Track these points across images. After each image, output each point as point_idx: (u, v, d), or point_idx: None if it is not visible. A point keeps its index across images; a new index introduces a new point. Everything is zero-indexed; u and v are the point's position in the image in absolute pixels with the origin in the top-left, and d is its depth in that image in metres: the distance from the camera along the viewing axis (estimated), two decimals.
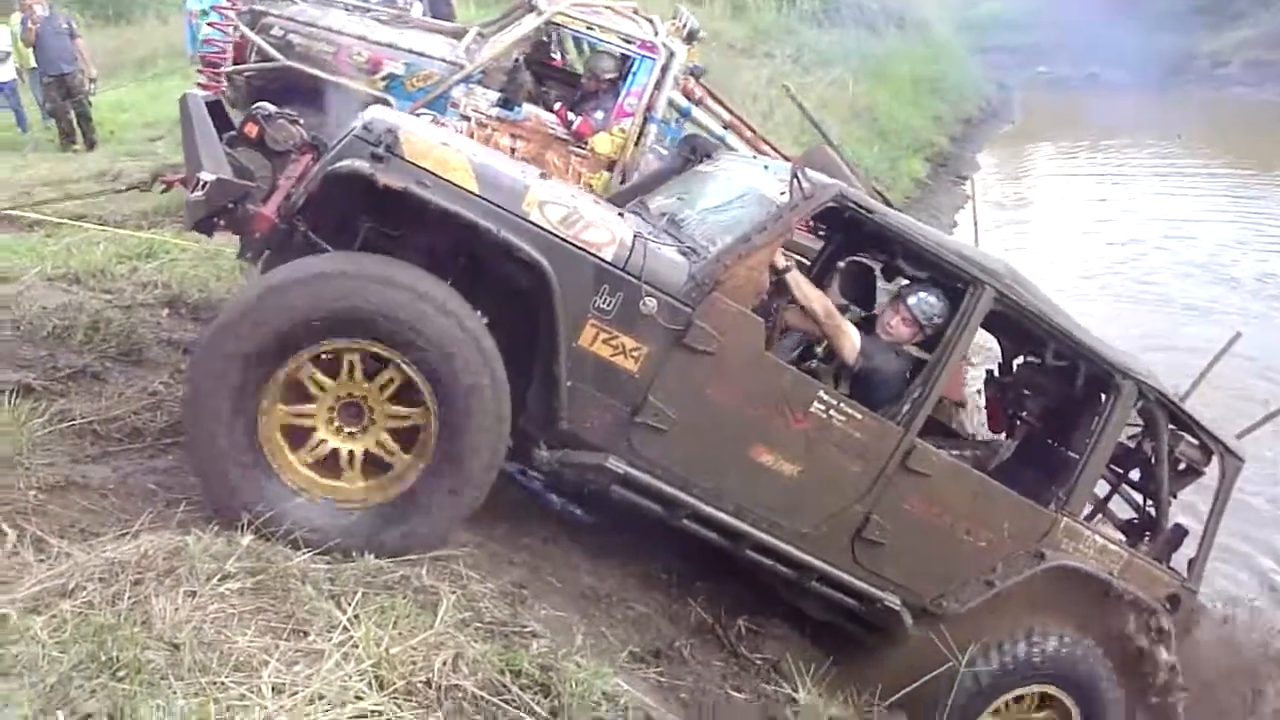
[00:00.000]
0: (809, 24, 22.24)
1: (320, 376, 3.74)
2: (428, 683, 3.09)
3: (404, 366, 3.73)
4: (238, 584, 3.26)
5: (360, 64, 7.84)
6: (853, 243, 5.45)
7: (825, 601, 4.74)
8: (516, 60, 8.16)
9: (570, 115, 7.94)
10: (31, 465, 3.99)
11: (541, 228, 3.93)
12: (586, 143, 7.87)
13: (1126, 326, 10.77)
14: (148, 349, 5.54)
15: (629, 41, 7.99)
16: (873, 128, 18.13)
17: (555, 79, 8.76)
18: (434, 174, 3.83)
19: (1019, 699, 4.98)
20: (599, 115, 7.98)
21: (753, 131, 8.76)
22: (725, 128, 8.51)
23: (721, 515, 4.35)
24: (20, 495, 3.73)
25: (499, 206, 3.88)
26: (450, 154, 3.96)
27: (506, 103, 7.86)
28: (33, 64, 13.08)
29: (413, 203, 3.77)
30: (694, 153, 5.50)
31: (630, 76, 7.97)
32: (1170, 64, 28.49)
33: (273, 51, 7.77)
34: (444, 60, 7.98)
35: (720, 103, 8.85)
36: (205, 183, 3.94)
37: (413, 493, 3.87)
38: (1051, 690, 4.98)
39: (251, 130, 4.27)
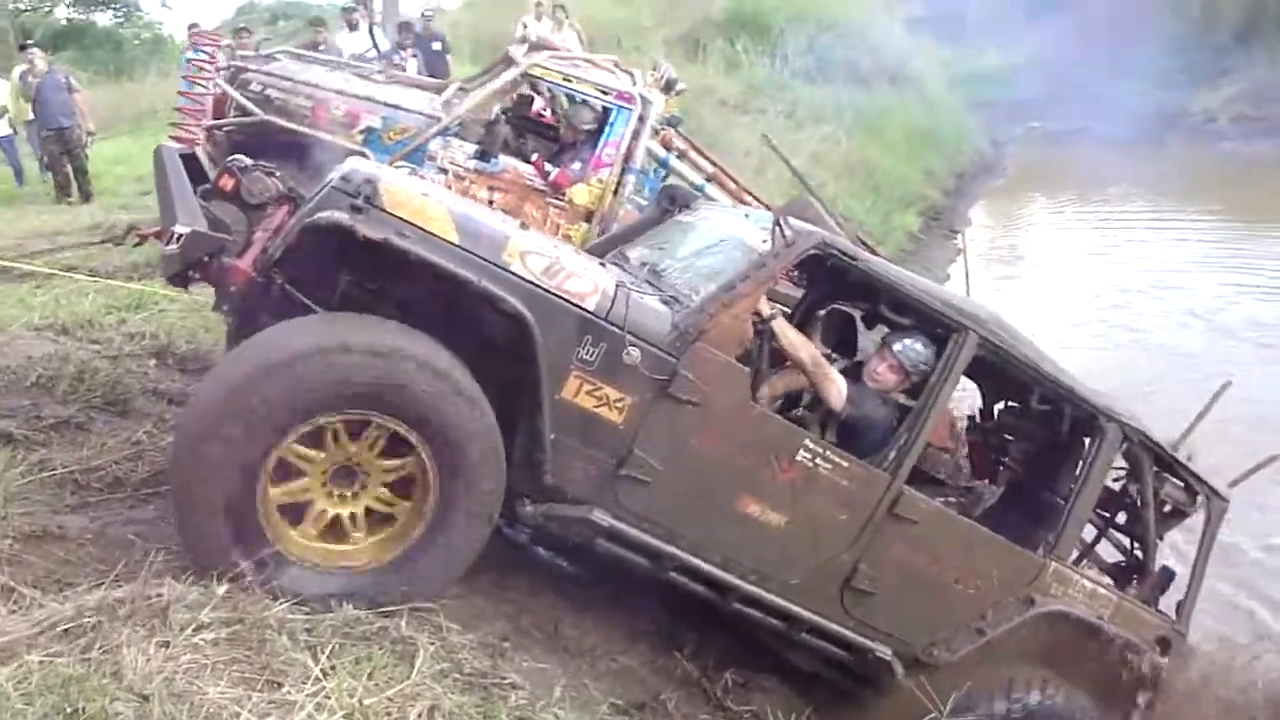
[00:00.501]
0: (802, 80, 22.39)
1: (306, 451, 3.70)
2: None
3: (391, 425, 3.69)
4: (212, 634, 3.23)
5: (338, 118, 7.88)
6: (833, 291, 5.44)
7: (814, 653, 4.70)
8: (497, 113, 8.24)
9: (548, 166, 7.97)
10: (8, 515, 3.95)
11: (523, 278, 3.91)
12: (564, 194, 7.90)
13: (1118, 375, 10.75)
14: (133, 399, 5.53)
15: (605, 92, 8.05)
16: (866, 182, 18.23)
17: (537, 132, 8.80)
18: (414, 224, 3.79)
19: None
20: (576, 166, 8.01)
21: (736, 183, 8.80)
22: (708, 180, 8.55)
23: (708, 567, 4.31)
24: None
25: (480, 257, 3.85)
26: (430, 204, 3.94)
27: (484, 155, 7.91)
28: (29, 117, 13.19)
29: (393, 254, 3.74)
30: (673, 203, 5.50)
31: (608, 127, 8.01)
32: (1161, 119, 28.70)
33: (251, 106, 7.84)
34: (421, 113, 8.03)
35: (703, 154, 8.91)
36: (179, 235, 3.92)
37: (426, 538, 3.84)
38: None
39: (227, 183, 4.28)
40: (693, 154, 8.74)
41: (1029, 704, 4.83)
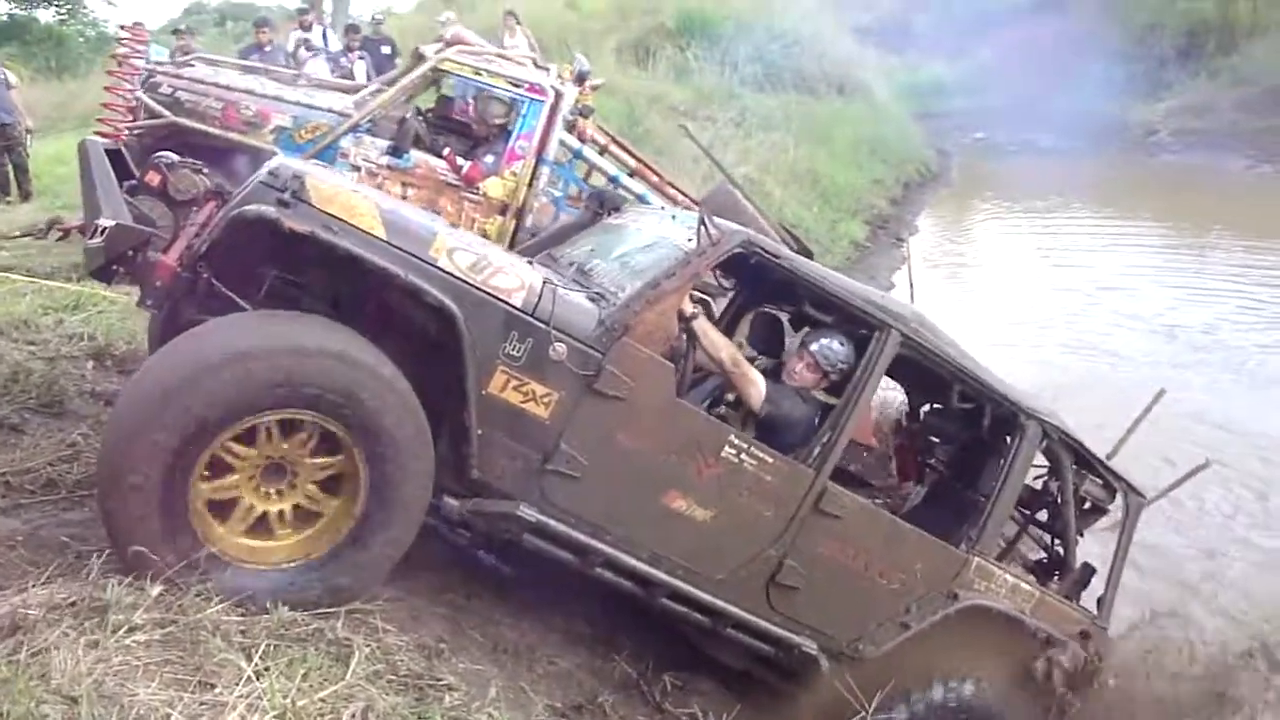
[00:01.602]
0: (751, 88, 22.56)
1: (239, 448, 3.69)
2: None
3: (323, 423, 3.69)
4: (145, 635, 3.22)
5: (249, 117, 7.87)
6: (761, 292, 5.50)
7: (741, 648, 4.73)
8: (413, 110, 8.26)
9: (460, 161, 7.98)
10: None
11: (449, 273, 3.93)
12: (478, 188, 7.92)
13: (1059, 377, 10.96)
14: (69, 401, 5.48)
15: (516, 85, 8.08)
16: (814, 190, 18.35)
17: (458, 132, 8.81)
18: (341, 219, 3.80)
19: None
20: (489, 160, 8.02)
21: (659, 177, 8.85)
22: (631, 174, 8.59)
23: (635, 563, 4.34)
24: None
25: (406, 252, 3.86)
26: (357, 200, 3.95)
27: (395, 151, 7.90)
28: None
29: (319, 248, 3.75)
30: (602, 206, 5.55)
31: (519, 120, 8.04)
32: (1103, 131, 29.14)
33: (159, 108, 7.81)
34: (332, 111, 8.03)
35: (625, 149, 8.98)
36: (103, 229, 3.90)
37: (354, 534, 3.84)
38: None
39: (154, 178, 4.26)
40: (614, 148, 8.80)
41: (963, 694, 4.89)
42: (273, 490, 3.80)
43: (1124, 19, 33.33)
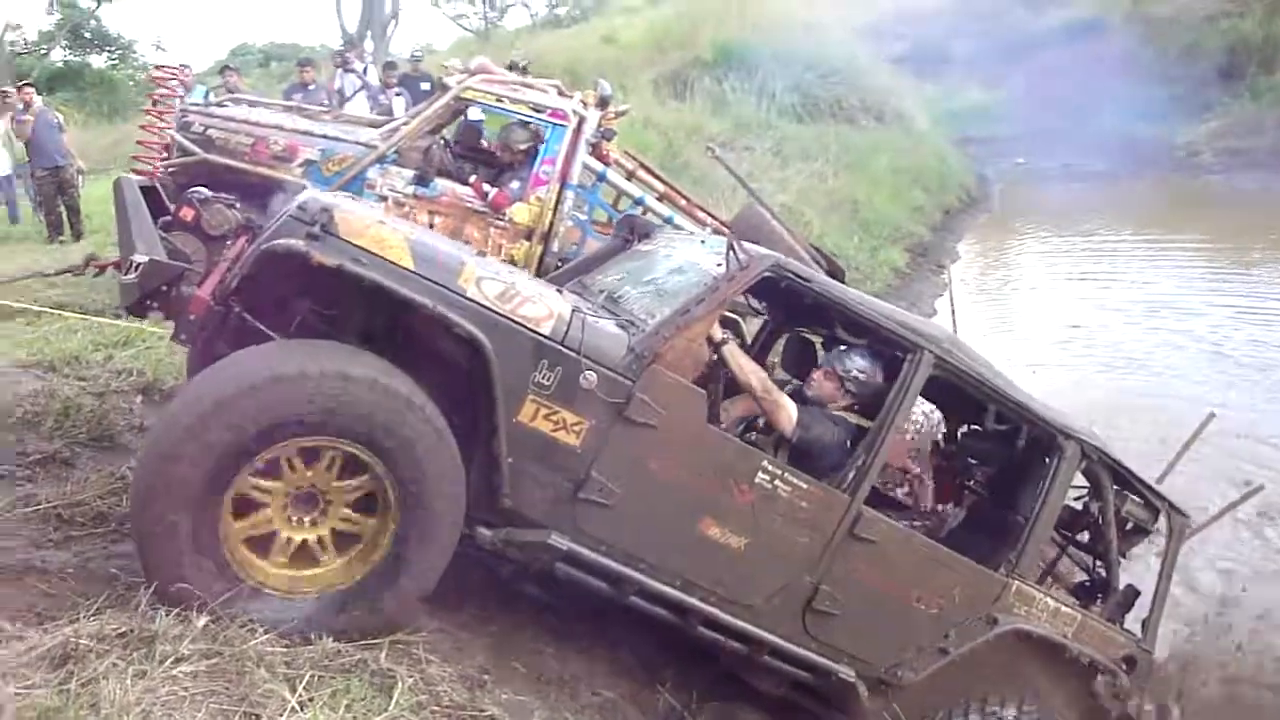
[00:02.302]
0: (789, 118, 22.61)
1: (263, 482, 3.72)
2: None
3: (346, 448, 3.72)
4: (191, 666, 3.26)
5: (278, 152, 8.02)
6: (794, 316, 5.49)
7: (779, 675, 4.70)
8: (439, 140, 8.37)
9: (485, 188, 8.05)
10: None
11: (478, 303, 3.95)
12: (504, 214, 7.98)
13: (1104, 400, 10.83)
14: (119, 435, 5.57)
15: (538, 110, 8.15)
16: (853, 218, 18.32)
17: (486, 163, 8.90)
18: (370, 252, 3.84)
19: None
20: (515, 186, 8.08)
21: (687, 200, 8.87)
22: (660, 199, 8.64)
23: (670, 591, 4.32)
24: None
25: (435, 283, 3.89)
26: (386, 232, 3.97)
27: (421, 180, 8.00)
28: (24, 158, 13.26)
29: (349, 280, 3.78)
30: (632, 232, 5.56)
31: (543, 145, 8.11)
32: (1145, 154, 28.89)
33: (190, 145, 7.97)
34: (358, 143, 8.15)
35: (653, 173, 9.03)
36: (138, 264, 3.96)
37: (393, 556, 3.87)
38: None
39: (187, 214, 4.33)
40: (642, 173, 8.85)
41: (1004, 718, 4.83)
42: (306, 519, 3.83)
43: (1164, 40, 33.03)
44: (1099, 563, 5.41)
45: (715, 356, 4.41)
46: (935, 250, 20.27)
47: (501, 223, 8.01)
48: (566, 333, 4.07)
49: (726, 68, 23.39)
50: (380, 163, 8.04)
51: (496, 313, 3.98)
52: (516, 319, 4.01)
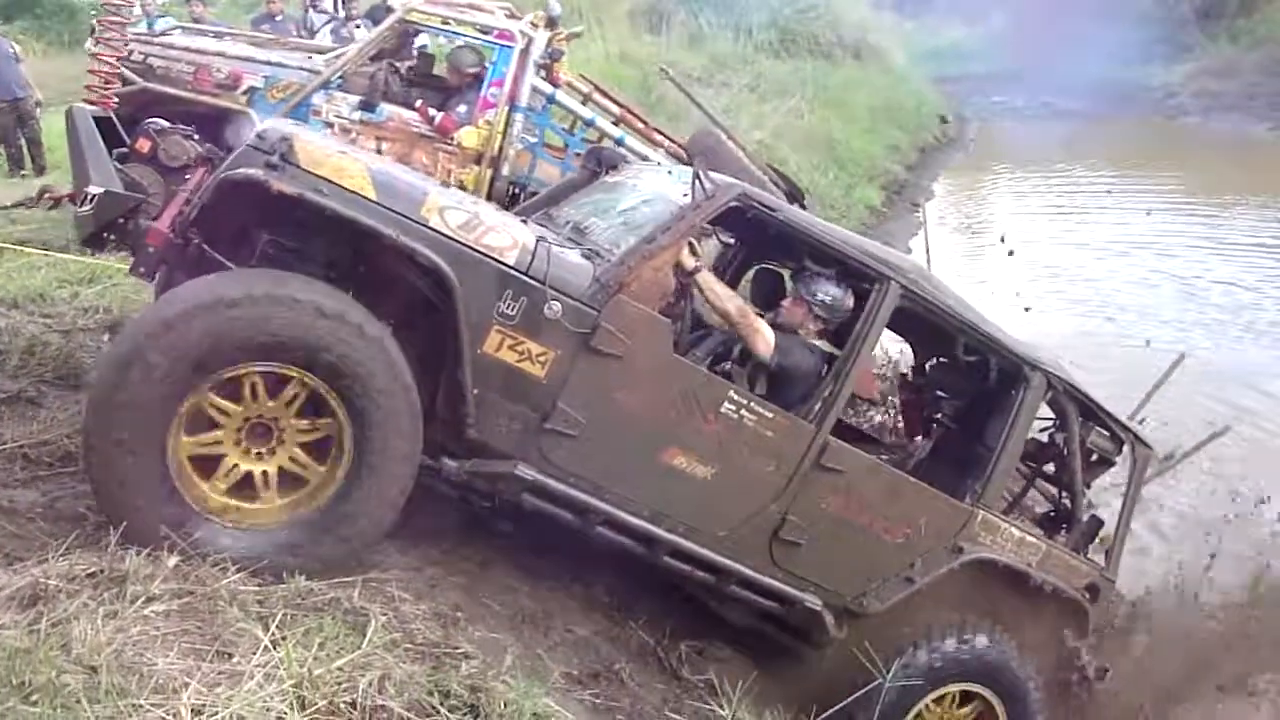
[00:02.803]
0: (766, 54, 22.42)
1: (223, 402, 3.68)
2: (352, 704, 3.06)
3: (309, 381, 3.69)
4: (163, 606, 3.23)
5: (221, 80, 7.95)
6: (762, 250, 5.45)
7: (746, 606, 4.72)
8: (386, 64, 8.27)
9: (431, 112, 7.97)
10: None
11: (441, 233, 3.91)
12: (452, 138, 7.92)
13: (1078, 341, 10.92)
14: (86, 373, 5.46)
15: (485, 32, 8.08)
16: (829, 155, 18.23)
17: (440, 89, 8.82)
18: (330, 181, 3.78)
19: (939, 699, 4.95)
20: (462, 109, 8.01)
21: (644, 123, 8.83)
22: (617, 122, 8.58)
23: (636, 521, 4.31)
24: None
25: (397, 213, 3.85)
26: (347, 162, 3.92)
27: (367, 105, 7.92)
28: None
29: (309, 209, 3.74)
30: (600, 165, 5.48)
31: (490, 67, 8.04)
32: (1123, 94, 28.92)
33: (130, 75, 7.87)
34: (302, 69, 8.06)
35: (609, 96, 8.97)
36: (93, 196, 3.89)
37: (338, 501, 3.83)
38: (975, 688, 4.96)
39: (144, 146, 4.26)
40: (598, 96, 8.79)
41: (971, 647, 4.87)
42: (257, 451, 3.79)
43: None
44: (1064, 494, 5.46)
45: (684, 285, 4.38)
46: (911, 189, 20.26)
47: (450, 147, 7.95)
48: (531, 263, 4.03)
49: (703, 1, 23.11)
50: (325, 88, 7.96)
51: (460, 242, 3.94)
52: (480, 249, 3.97)
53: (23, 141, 12.36)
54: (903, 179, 20.52)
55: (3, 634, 2.88)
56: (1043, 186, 21.79)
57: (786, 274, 5.17)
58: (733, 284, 5.45)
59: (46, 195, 5.41)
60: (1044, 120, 29.20)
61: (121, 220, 3.99)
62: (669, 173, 5.11)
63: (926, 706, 4.90)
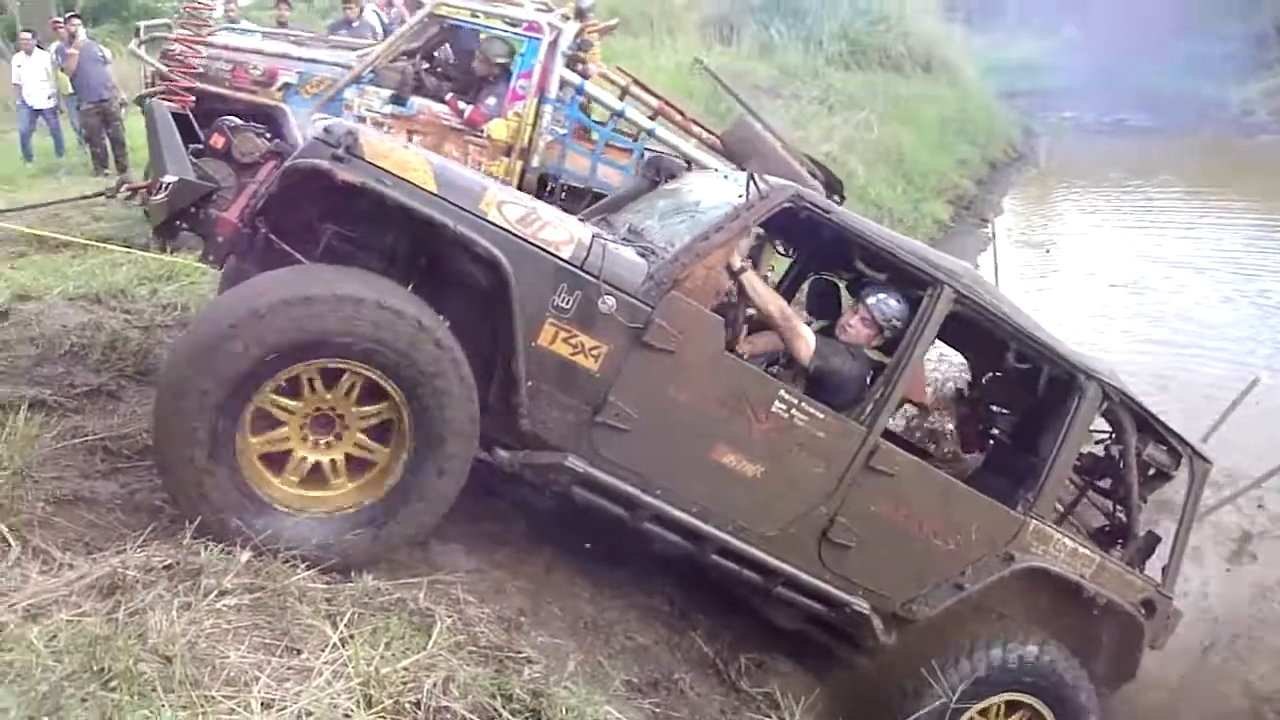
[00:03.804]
0: (836, 66, 22.34)
1: (284, 400, 3.75)
2: (417, 704, 3.10)
3: (366, 372, 3.73)
4: (235, 600, 3.30)
5: (257, 76, 8.17)
6: (818, 260, 5.43)
7: (794, 608, 4.71)
8: (417, 58, 8.45)
9: (461, 104, 8.05)
10: (41, 479, 4.01)
11: (499, 226, 3.97)
12: (481, 130, 8.01)
13: (1148, 365, 10.71)
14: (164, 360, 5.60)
15: (514, 25, 8.17)
16: (897, 169, 18.13)
17: (462, 76, 8.92)
18: (393, 174, 3.87)
19: (983, 711, 4.89)
20: (491, 102, 8.12)
21: (682, 115, 8.88)
22: (653, 116, 8.67)
23: (684, 517, 4.33)
24: (29, 507, 3.76)
25: (457, 206, 3.92)
26: (410, 156, 4.02)
27: (398, 99, 8.06)
28: (69, 91, 13.30)
29: (372, 201, 3.81)
30: (658, 173, 5.51)
31: (519, 59, 8.12)
32: (1199, 110, 28.42)
33: (166, 72, 8.06)
34: (336, 64, 8.23)
35: (647, 89, 9.06)
36: (167, 184, 3.99)
37: (406, 479, 3.90)
38: (1025, 699, 4.90)
39: (218, 141, 4.34)
40: (635, 89, 8.86)
41: (1023, 657, 4.81)
42: (322, 441, 3.86)
43: None
44: (1120, 508, 5.37)
45: (734, 284, 4.39)
46: (979, 204, 20.05)
47: (480, 139, 8.04)
48: (586, 258, 4.09)
49: (774, 12, 23.08)
50: (357, 83, 8.12)
51: (517, 236, 4.00)
52: (537, 242, 4.03)
53: (107, 141, 12.67)
54: (971, 194, 20.32)
55: (85, 621, 2.96)
56: (1114, 203, 21.45)
57: (842, 284, 5.17)
58: (788, 295, 5.44)
59: (125, 186, 5.56)
60: (1116, 136, 28.78)
61: (193, 209, 4.09)
62: (725, 177, 5.13)
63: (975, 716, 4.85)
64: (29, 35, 14.09)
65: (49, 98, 13.66)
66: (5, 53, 18.02)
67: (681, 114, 8.90)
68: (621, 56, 15.70)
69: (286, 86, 8.16)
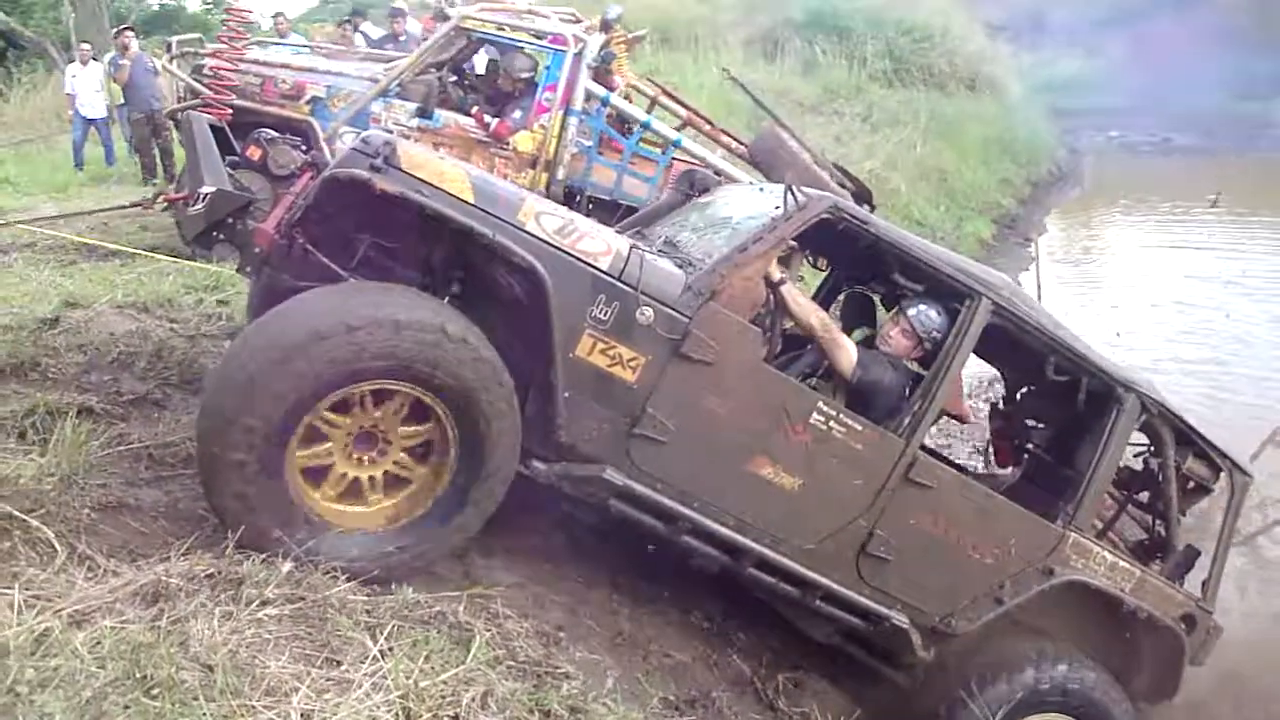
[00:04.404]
0: (879, 83, 22.29)
1: (333, 416, 3.75)
2: (455, 718, 3.13)
3: (413, 392, 3.74)
4: (276, 610, 3.32)
5: (286, 90, 8.27)
6: (855, 273, 5.40)
7: (832, 622, 4.68)
8: (443, 72, 8.54)
9: (487, 118, 8.08)
10: (87, 485, 4.06)
11: (537, 237, 3.97)
12: (507, 143, 8.05)
13: (1194, 387, 10.57)
14: (207, 378, 5.65)
15: (539, 38, 8.20)
16: (940, 187, 18.07)
17: (488, 90, 9.00)
18: (431, 184, 3.87)
19: None
20: (517, 115, 8.18)
21: (710, 125, 8.90)
22: (682, 126, 8.72)
23: (722, 530, 4.32)
24: (74, 514, 3.80)
25: (495, 216, 3.92)
26: (447, 166, 4.02)
27: (424, 112, 8.12)
28: (119, 101, 13.52)
29: (410, 210, 3.82)
30: (692, 187, 5.52)
31: (544, 72, 8.18)
32: (1247, 130, 28.04)
33: (200, 88, 8.19)
34: (363, 78, 8.30)
35: (675, 99, 9.12)
36: (204, 195, 4.02)
37: (443, 500, 3.91)
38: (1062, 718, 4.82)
39: (254, 153, 4.40)
40: (664, 99, 8.91)
41: (1055, 676, 4.74)
42: (364, 457, 3.87)
43: (1270, 11, 31.80)
44: (1159, 522, 5.31)
45: (772, 295, 4.37)
46: (1022, 223, 19.93)
47: (505, 152, 8.07)
48: (624, 269, 4.08)
49: (818, 29, 23.06)
50: (384, 97, 8.18)
51: (555, 246, 3.99)
52: (575, 253, 4.02)
53: (156, 151, 12.85)
54: (1014, 213, 20.20)
55: (128, 628, 2.98)
56: (1158, 225, 21.20)
57: (877, 297, 5.15)
58: (824, 306, 5.41)
59: (162, 197, 5.63)
60: (1162, 156, 28.49)
61: (230, 220, 4.12)
62: (760, 190, 5.12)
63: None
64: (87, 46, 14.33)
65: (103, 108, 13.87)
66: (60, 63, 18.32)
67: (710, 124, 8.91)
68: (664, 73, 15.76)
69: (315, 100, 8.28)
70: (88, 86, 13.71)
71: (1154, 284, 15.90)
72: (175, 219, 7.82)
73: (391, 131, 7.87)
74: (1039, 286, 9.78)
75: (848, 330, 5.00)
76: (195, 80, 8.35)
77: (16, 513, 3.56)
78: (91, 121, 13.90)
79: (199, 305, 6.83)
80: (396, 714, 3.00)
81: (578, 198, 8.38)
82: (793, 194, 4.32)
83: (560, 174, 8.21)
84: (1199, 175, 24.77)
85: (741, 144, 8.69)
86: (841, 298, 5.60)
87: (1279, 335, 13.63)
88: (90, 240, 8.28)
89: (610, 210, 8.18)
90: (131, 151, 13.52)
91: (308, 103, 8.28)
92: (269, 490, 3.64)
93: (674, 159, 8.60)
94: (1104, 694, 4.83)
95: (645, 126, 8.46)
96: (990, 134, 22.55)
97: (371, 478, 3.89)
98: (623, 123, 8.85)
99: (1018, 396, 5.79)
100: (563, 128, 8.15)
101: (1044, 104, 29.14)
